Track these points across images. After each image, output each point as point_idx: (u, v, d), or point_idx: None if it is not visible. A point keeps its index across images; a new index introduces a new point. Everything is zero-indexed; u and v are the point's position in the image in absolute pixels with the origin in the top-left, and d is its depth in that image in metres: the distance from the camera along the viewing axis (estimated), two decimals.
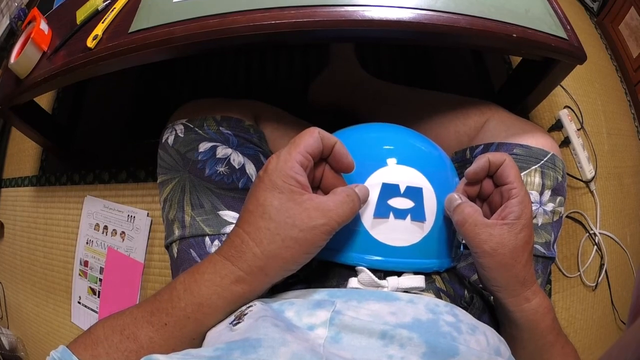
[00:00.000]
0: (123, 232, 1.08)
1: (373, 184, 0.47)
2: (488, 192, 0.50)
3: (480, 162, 0.48)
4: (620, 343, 0.52)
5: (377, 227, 0.47)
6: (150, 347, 0.41)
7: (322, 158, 0.45)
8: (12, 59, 0.78)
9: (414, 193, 0.47)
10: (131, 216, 1.07)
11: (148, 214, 1.06)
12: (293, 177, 0.40)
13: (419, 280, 0.47)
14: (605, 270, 1.09)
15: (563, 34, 0.68)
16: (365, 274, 0.45)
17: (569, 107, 1.12)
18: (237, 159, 0.64)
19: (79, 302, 1.13)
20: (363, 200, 0.44)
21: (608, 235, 1.11)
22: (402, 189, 0.47)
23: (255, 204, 0.41)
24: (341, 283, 0.47)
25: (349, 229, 0.46)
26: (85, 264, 1.12)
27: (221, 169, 0.62)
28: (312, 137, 0.42)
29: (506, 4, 0.66)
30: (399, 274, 0.47)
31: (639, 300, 0.60)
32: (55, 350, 0.42)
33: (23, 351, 1.24)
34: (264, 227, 0.40)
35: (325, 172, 0.46)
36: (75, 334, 1.14)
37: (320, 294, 0.43)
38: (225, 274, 0.41)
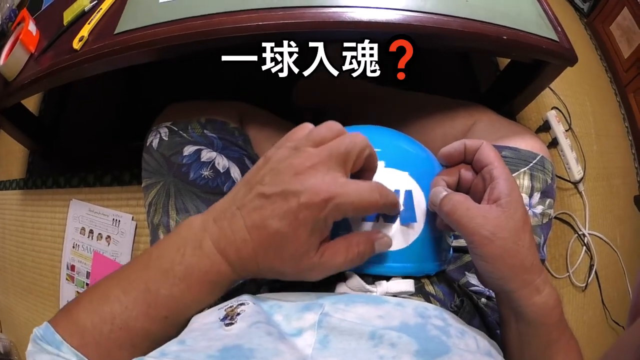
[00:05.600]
0: (109, 236, 1.07)
1: None
2: (468, 181, 0.46)
3: (455, 144, 0.46)
4: (619, 344, 0.52)
5: (366, 229, 0.46)
6: (146, 336, 0.40)
7: None
8: (1, 61, 0.77)
9: (404, 196, 0.47)
10: (116, 220, 1.06)
11: (133, 217, 1.06)
12: None
13: (408, 285, 0.46)
14: (595, 271, 1.09)
15: (554, 36, 0.68)
16: (355, 279, 0.45)
17: (557, 108, 1.13)
18: (221, 162, 0.63)
19: None
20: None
21: (597, 236, 1.12)
22: None
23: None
24: (329, 288, 0.46)
25: (336, 234, 0.46)
26: (72, 268, 1.11)
27: (206, 172, 0.62)
28: (303, 132, 0.41)
29: (497, 6, 0.66)
30: (387, 278, 0.47)
31: (638, 300, 0.60)
32: (39, 327, 0.40)
33: (17, 355, 1.23)
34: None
35: None
36: None
37: (309, 296, 0.42)
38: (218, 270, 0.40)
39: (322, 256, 0.39)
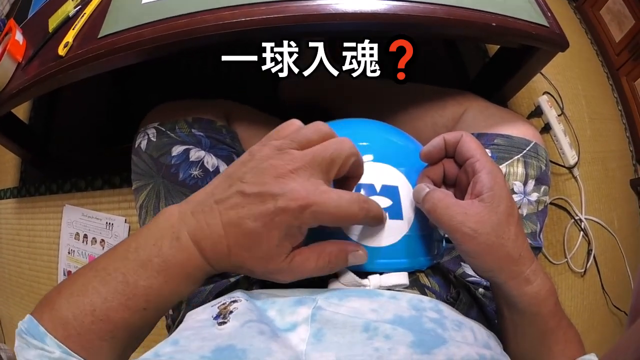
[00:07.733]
0: (102, 240, 1.07)
1: None
2: (454, 175, 0.46)
3: (434, 142, 0.45)
4: (621, 344, 0.52)
5: (353, 228, 0.45)
6: (125, 327, 0.40)
7: None
8: None
9: (391, 191, 0.46)
10: (109, 223, 1.07)
11: (125, 220, 1.06)
12: None
13: (401, 277, 0.45)
14: (594, 256, 1.09)
15: (544, 21, 0.67)
16: (348, 275, 0.44)
17: (549, 93, 1.12)
18: (210, 161, 0.62)
19: None
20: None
21: (594, 220, 1.12)
22: (378, 188, 0.46)
23: None
24: (322, 284, 0.46)
25: (325, 232, 0.45)
26: (69, 274, 1.10)
27: (195, 172, 0.61)
28: (290, 129, 0.41)
29: None
30: (381, 273, 0.46)
31: (638, 300, 0.60)
32: (23, 321, 0.40)
33: None
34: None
35: None
36: None
37: (302, 291, 0.42)
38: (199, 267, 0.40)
39: (292, 261, 0.39)
